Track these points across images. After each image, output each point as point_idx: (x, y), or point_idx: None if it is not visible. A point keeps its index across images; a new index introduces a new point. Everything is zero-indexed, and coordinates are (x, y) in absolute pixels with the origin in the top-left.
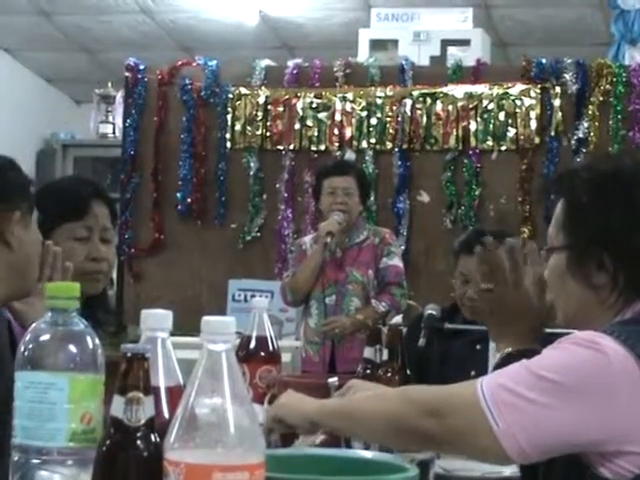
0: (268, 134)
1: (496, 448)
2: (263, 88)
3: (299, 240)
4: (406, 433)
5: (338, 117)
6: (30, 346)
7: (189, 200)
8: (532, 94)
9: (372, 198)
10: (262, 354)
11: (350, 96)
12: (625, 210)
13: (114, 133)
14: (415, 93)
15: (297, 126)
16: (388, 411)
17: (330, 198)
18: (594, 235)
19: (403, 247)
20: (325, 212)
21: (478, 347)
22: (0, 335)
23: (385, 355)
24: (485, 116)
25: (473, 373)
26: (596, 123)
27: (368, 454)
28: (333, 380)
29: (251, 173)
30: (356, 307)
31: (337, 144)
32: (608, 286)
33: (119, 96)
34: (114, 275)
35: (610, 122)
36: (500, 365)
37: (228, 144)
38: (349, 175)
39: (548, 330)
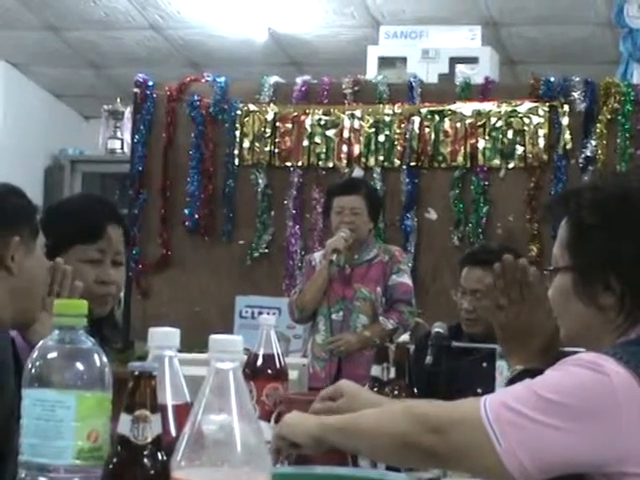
0: (276, 151)
1: (498, 467)
2: (271, 105)
3: (309, 256)
4: (409, 450)
5: (346, 134)
6: (37, 364)
7: (197, 216)
8: (540, 112)
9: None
10: (269, 372)
11: (358, 113)
12: (631, 231)
13: (122, 149)
14: (423, 110)
15: (305, 143)
16: (391, 428)
17: (338, 217)
18: (600, 256)
19: (411, 264)
20: (334, 230)
21: (484, 365)
22: (5, 351)
23: (392, 373)
24: (493, 134)
25: (479, 391)
26: (604, 141)
27: (375, 473)
28: None
29: (259, 190)
30: (363, 324)
31: (345, 161)
32: (615, 307)
33: (128, 112)
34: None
35: (618, 140)
36: (512, 381)
37: (236, 160)
38: (357, 194)
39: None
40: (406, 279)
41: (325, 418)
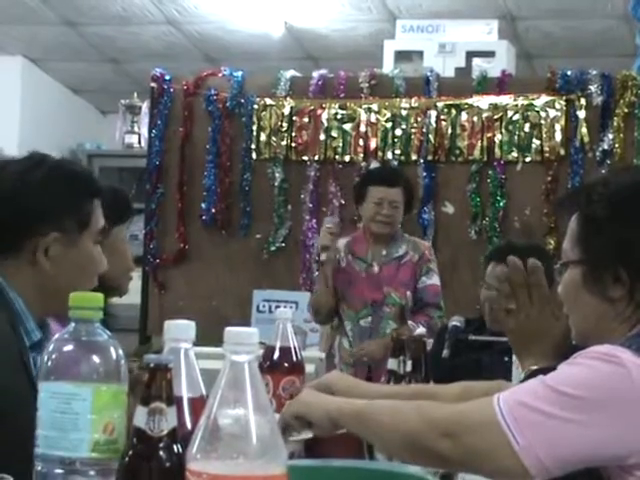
0: (293, 145)
1: (517, 466)
2: (288, 99)
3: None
4: (421, 453)
5: (363, 128)
6: (53, 356)
7: (214, 210)
8: (557, 106)
9: None
10: (286, 365)
11: (375, 107)
12: None
13: (140, 143)
14: (440, 104)
15: (322, 137)
16: (403, 428)
17: (376, 208)
18: (610, 248)
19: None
20: (366, 220)
21: (505, 359)
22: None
23: (409, 366)
24: (510, 127)
25: None
26: (621, 135)
27: (391, 466)
28: None
29: (276, 184)
30: (393, 329)
31: (362, 155)
32: (624, 299)
33: (145, 106)
34: (139, 285)
35: (635, 134)
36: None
37: (253, 155)
38: (398, 186)
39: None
40: (435, 279)
41: (343, 402)
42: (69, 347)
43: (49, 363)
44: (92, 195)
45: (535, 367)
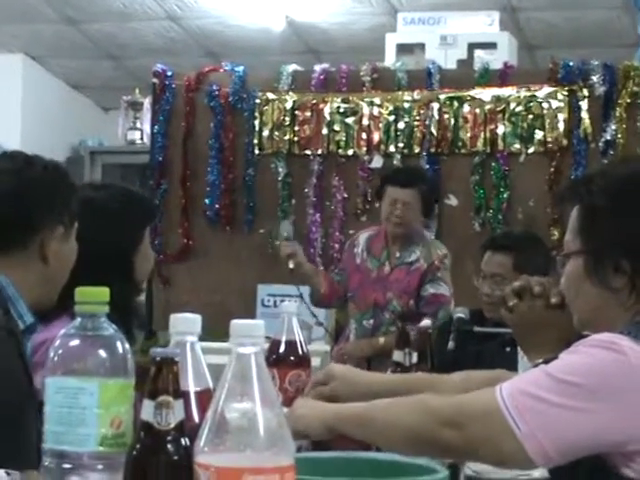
0: (296, 139)
1: (519, 453)
2: (290, 93)
3: (352, 240)
4: (425, 444)
5: (365, 121)
6: (60, 352)
7: (217, 206)
8: (559, 97)
9: None
10: (292, 358)
11: (377, 100)
12: None
13: (142, 139)
14: (442, 97)
15: (325, 131)
16: (406, 422)
17: (389, 208)
18: (610, 238)
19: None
20: (382, 219)
21: (508, 349)
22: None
23: (414, 358)
24: (513, 119)
25: None
26: (624, 125)
27: (398, 456)
28: None
29: (279, 178)
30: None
31: (365, 148)
32: (626, 288)
33: (147, 102)
34: None
35: (638, 124)
36: None
37: (256, 150)
38: (413, 188)
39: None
40: (440, 289)
41: (339, 406)
42: (75, 342)
43: (55, 358)
44: (75, 193)
45: (541, 360)
